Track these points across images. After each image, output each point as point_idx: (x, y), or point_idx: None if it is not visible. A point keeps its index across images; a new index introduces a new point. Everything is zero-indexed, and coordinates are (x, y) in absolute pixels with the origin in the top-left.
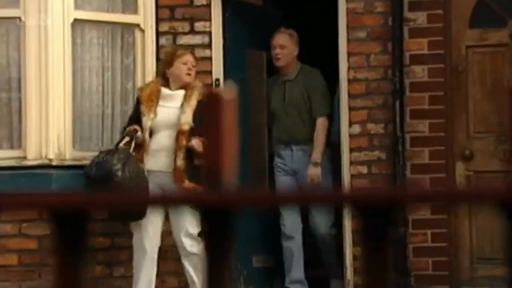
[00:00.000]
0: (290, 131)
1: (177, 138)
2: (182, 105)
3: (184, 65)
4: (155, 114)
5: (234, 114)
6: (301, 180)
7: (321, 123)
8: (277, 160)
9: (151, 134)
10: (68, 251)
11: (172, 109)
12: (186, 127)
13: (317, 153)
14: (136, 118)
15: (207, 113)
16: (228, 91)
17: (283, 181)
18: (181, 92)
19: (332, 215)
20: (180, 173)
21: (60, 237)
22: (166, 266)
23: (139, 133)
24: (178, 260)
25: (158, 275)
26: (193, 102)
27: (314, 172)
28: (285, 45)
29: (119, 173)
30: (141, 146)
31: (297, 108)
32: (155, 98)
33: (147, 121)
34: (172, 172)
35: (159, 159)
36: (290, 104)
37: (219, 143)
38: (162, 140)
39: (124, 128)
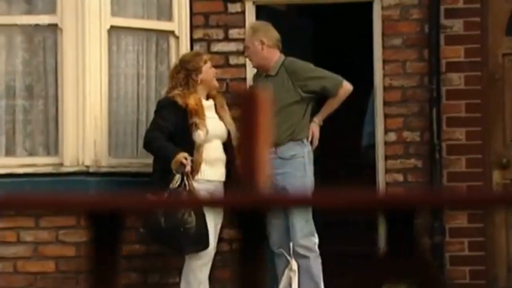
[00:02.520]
0: None
1: (239, 153)
2: (220, 115)
3: (211, 70)
4: (207, 127)
5: (269, 114)
6: (276, 184)
7: (344, 91)
8: None
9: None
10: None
11: (215, 120)
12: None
13: (321, 116)
14: (181, 128)
15: (242, 114)
16: (263, 90)
17: None
18: (211, 101)
19: (309, 223)
20: None
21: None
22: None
23: (188, 168)
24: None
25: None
26: (228, 111)
27: (314, 126)
28: (248, 46)
29: (190, 218)
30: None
31: (274, 105)
32: (202, 109)
33: (201, 135)
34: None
35: (217, 169)
36: None
37: (256, 144)
38: (217, 151)
39: (167, 156)
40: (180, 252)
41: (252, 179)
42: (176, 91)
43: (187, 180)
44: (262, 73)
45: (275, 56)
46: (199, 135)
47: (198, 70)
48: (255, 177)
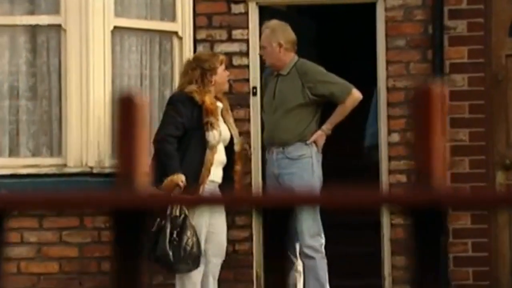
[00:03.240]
0: (272, 131)
1: (238, 158)
2: (224, 119)
3: (225, 72)
4: (220, 129)
5: (443, 110)
6: (283, 185)
7: (353, 99)
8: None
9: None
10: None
11: (222, 122)
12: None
13: (329, 124)
14: (195, 125)
15: (417, 110)
16: (438, 87)
17: (268, 187)
18: (220, 104)
19: (317, 223)
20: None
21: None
22: None
23: (180, 191)
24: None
25: None
26: (232, 117)
27: (319, 134)
28: (265, 45)
29: (195, 250)
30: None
31: (284, 105)
32: (217, 109)
33: (215, 137)
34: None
35: (219, 171)
36: (278, 101)
37: (430, 142)
38: (222, 154)
39: (168, 167)
40: (172, 272)
41: (428, 175)
42: (193, 87)
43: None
44: (273, 71)
45: (290, 57)
46: (214, 135)
47: (213, 71)
48: (432, 173)
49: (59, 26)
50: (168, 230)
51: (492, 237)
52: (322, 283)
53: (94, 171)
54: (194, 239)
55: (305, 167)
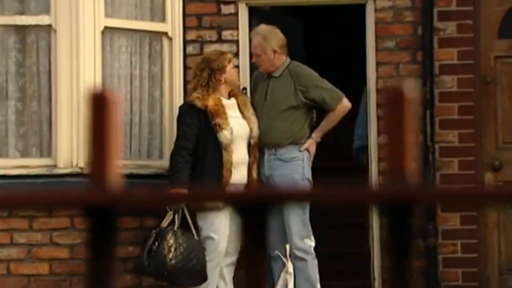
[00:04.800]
0: (263, 133)
1: (253, 151)
2: (243, 114)
3: (234, 69)
4: (231, 126)
5: (413, 112)
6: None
7: (343, 107)
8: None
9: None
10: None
11: (238, 119)
12: (258, 140)
13: (319, 132)
14: (206, 130)
15: (390, 112)
16: (410, 89)
17: None
18: (233, 100)
19: (306, 225)
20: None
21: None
22: None
23: (182, 205)
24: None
25: None
26: (252, 109)
27: (311, 142)
28: (259, 53)
29: (173, 262)
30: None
31: (276, 107)
32: (223, 109)
33: (227, 136)
34: (251, 184)
35: (239, 171)
36: (270, 102)
37: (403, 142)
38: (242, 153)
39: (174, 179)
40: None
41: (400, 175)
42: (195, 94)
43: (178, 218)
44: (264, 73)
45: (282, 60)
46: (225, 135)
47: (222, 70)
48: (403, 173)
49: (49, 26)
50: (150, 241)
51: (481, 238)
52: (313, 284)
53: (84, 171)
54: (174, 252)
55: (296, 169)
